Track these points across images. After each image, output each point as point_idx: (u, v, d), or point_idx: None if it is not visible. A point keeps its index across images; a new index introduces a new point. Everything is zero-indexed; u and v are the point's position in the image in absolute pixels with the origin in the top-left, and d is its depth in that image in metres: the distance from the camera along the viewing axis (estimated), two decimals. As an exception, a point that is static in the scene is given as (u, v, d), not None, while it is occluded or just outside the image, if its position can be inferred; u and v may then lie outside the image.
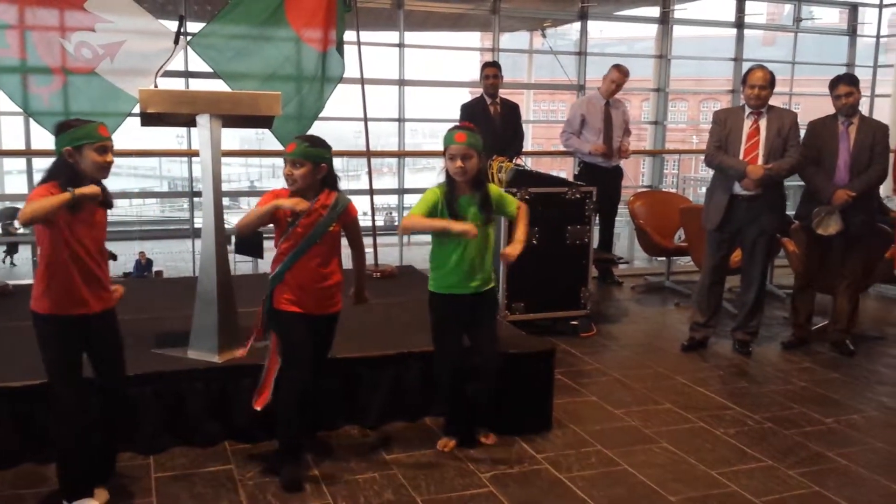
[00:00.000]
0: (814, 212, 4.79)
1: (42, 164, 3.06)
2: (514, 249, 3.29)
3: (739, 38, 9.54)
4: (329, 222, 3.12)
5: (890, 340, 5.36)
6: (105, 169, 2.79)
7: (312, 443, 3.41)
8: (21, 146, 6.56)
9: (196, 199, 7.10)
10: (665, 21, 8.88)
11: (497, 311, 3.54)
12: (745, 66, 5.13)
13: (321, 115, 5.82)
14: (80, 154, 2.71)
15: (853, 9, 10.48)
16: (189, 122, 3.66)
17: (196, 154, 3.95)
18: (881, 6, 10.48)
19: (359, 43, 5.77)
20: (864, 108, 7.02)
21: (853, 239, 4.82)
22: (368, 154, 6.16)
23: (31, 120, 5.23)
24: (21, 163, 7.34)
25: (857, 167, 4.73)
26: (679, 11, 9.14)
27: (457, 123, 3.41)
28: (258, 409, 3.16)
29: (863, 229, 4.79)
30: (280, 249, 3.13)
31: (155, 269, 6.62)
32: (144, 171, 40.50)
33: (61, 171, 2.72)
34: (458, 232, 3.19)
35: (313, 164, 3.06)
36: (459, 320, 3.39)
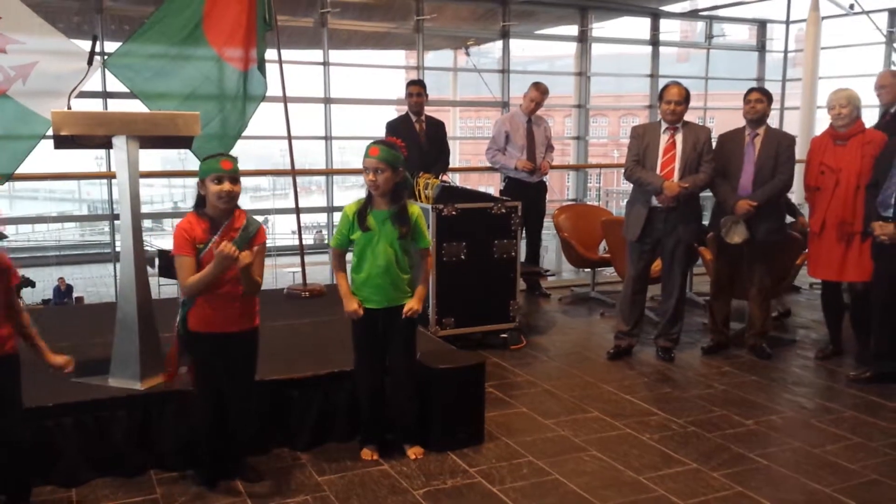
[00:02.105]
0: (721, 221, 4.97)
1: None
2: (416, 304, 3.44)
3: (655, 55, 9.87)
4: (240, 246, 3.00)
5: (805, 343, 5.59)
6: None
7: (241, 467, 3.33)
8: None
9: (116, 222, 6.91)
10: (583, 39, 9.12)
11: (413, 326, 3.56)
12: (661, 83, 5.32)
13: (246, 133, 5.76)
14: None
15: (762, 25, 10.97)
16: (106, 143, 3.58)
17: (114, 176, 3.86)
18: (788, 22, 11.00)
19: (280, 61, 5.74)
20: (774, 121, 7.35)
21: (759, 247, 5.00)
22: (294, 172, 6.12)
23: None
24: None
25: (761, 178, 4.91)
26: (597, 30, 9.41)
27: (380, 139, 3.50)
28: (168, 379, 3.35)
29: (769, 237, 4.98)
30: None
31: (75, 294, 6.40)
32: (62, 194, 39.18)
33: None
34: (346, 310, 3.41)
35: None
36: (374, 334, 3.46)
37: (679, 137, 4.85)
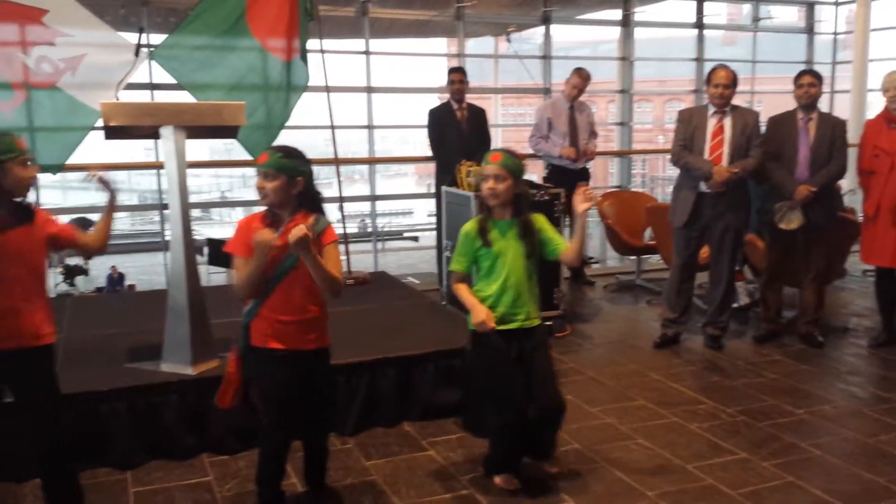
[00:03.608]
0: (776, 207, 4.87)
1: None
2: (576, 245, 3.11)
3: (700, 39, 9.68)
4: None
5: (857, 331, 5.46)
6: (29, 185, 2.60)
7: (323, 493, 3.10)
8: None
9: (166, 212, 7.03)
10: (627, 24, 8.98)
11: (548, 346, 3.22)
12: (707, 66, 5.21)
13: (290, 124, 5.81)
14: (2, 171, 2.49)
15: (810, 7, 10.69)
16: (153, 134, 3.64)
17: (163, 166, 3.93)
18: (837, 3, 10.70)
19: (322, 51, 5.76)
20: (824, 104, 7.16)
21: (815, 232, 4.90)
22: (337, 161, 6.16)
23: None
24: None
25: (817, 162, 4.82)
26: (640, 14, 9.26)
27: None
28: (221, 406, 2.93)
29: (824, 222, 4.88)
30: None
31: (127, 283, 6.54)
32: (113, 184, 39.98)
33: None
34: (475, 322, 3.02)
35: (288, 177, 2.70)
36: (508, 358, 3.07)
37: (727, 121, 4.76)
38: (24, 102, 5.04)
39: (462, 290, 3.10)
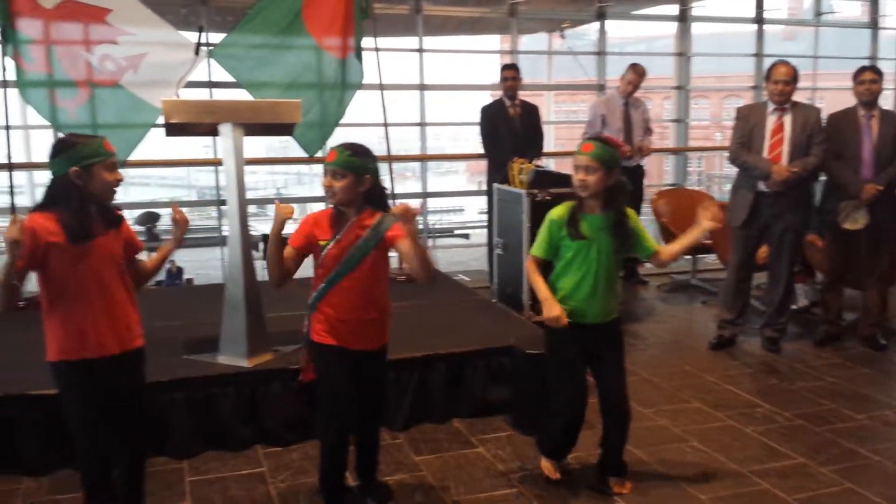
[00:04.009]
0: (840, 206, 4.74)
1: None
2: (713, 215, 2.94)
3: (760, 34, 9.45)
4: (368, 246, 2.70)
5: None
6: (114, 190, 2.48)
7: (373, 487, 3.07)
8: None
9: (223, 208, 7.16)
10: (684, 19, 8.82)
11: (623, 345, 3.14)
12: (767, 62, 5.10)
13: (344, 121, 5.87)
14: (88, 174, 2.38)
15: (874, 1, 10.34)
16: (212, 131, 3.72)
17: (221, 163, 4.01)
18: (904, -3, 10.35)
19: (377, 49, 5.80)
20: (887, 101, 6.95)
21: (880, 232, 4.76)
22: (390, 158, 6.20)
23: (59, 133, 5.31)
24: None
25: (882, 160, 4.68)
26: (698, 9, 9.08)
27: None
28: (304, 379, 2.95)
29: (890, 222, 4.73)
30: (315, 274, 2.79)
31: (186, 276, 6.68)
32: (173, 180, 40.90)
33: (66, 196, 2.38)
34: (547, 317, 2.94)
35: (356, 175, 2.66)
36: (579, 352, 3.03)
37: (787, 119, 4.65)
38: (88, 100, 5.20)
39: (537, 280, 3.00)
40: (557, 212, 2.99)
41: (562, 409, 3.10)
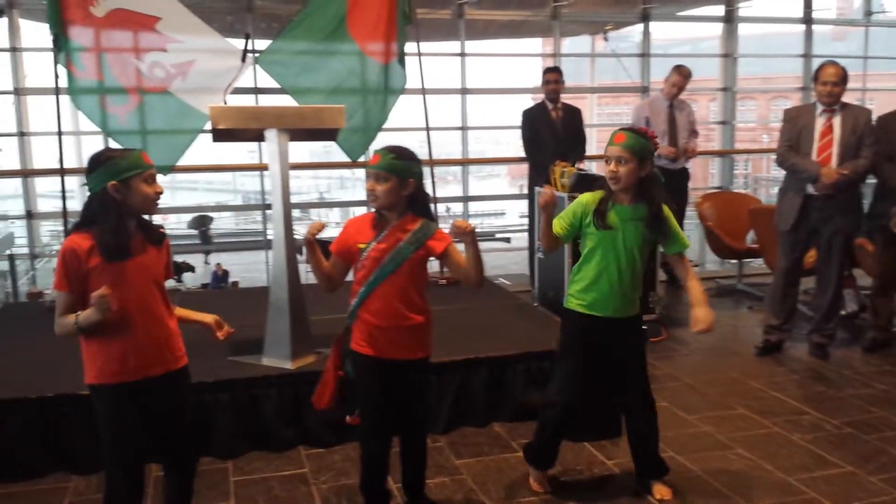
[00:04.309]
0: (893, 210, 4.62)
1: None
2: (707, 316, 2.86)
3: (808, 34, 9.27)
4: (408, 250, 2.66)
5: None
6: (155, 202, 2.38)
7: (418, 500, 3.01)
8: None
9: (268, 212, 7.27)
10: (730, 20, 8.70)
11: (644, 343, 3.09)
12: (815, 63, 5.00)
13: (386, 126, 5.91)
14: (127, 188, 2.29)
15: (929, -1, 10.07)
16: (258, 136, 3.77)
17: (266, 168, 4.06)
18: (959, -5, 10.05)
19: (419, 54, 5.83)
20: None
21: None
22: (431, 163, 6.22)
23: (109, 139, 5.45)
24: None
25: None
26: (744, 9, 8.94)
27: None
28: (318, 408, 2.90)
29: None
30: (355, 279, 2.74)
31: (231, 279, 6.79)
32: (219, 185, 41.65)
33: (104, 212, 2.29)
34: (540, 202, 2.84)
35: (399, 179, 2.63)
36: (592, 347, 2.98)
37: (837, 120, 4.55)
38: (138, 107, 5.32)
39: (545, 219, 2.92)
40: (587, 197, 2.92)
41: (552, 399, 3.04)
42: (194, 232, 8.79)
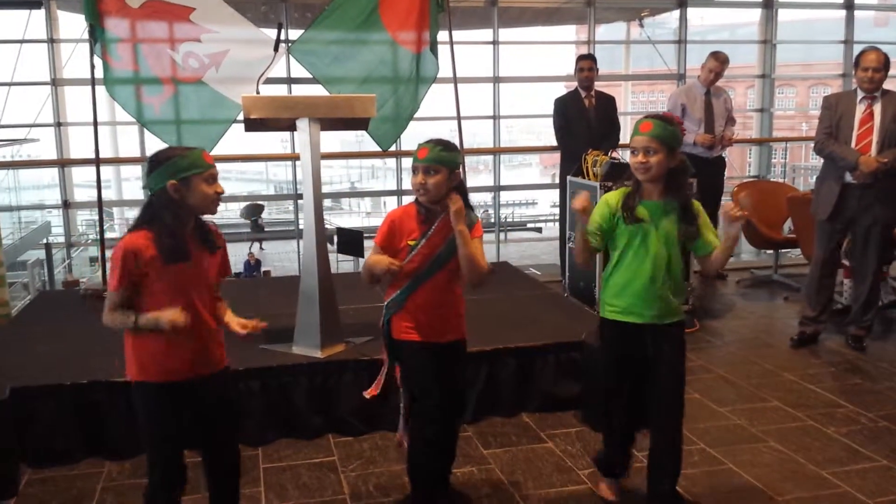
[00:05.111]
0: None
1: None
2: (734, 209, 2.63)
3: (849, 20, 9.06)
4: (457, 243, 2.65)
5: None
6: (216, 202, 2.34)
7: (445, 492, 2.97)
8: (137, 154, 6.93)
9: (300, 201, 7.33)
10: (769, 5, 8.53)
11: (683, 350, 2.87)
12: (856, 49, 4.88)
13: (416, 115, 5.91)
14: (187, 187, 2.26)
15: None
16: (290, 126, 3.79)
17: (298, 157, 4.08)
18: None
19: (451, 42, 5.81)
20: None
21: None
22: (462, 152, 6.20)
23: (145, 129, 5.53)
24: (137, 170, 7.77)
25: None
26: (784, -6, 8.78)
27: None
28: (367, 396, 2.93)
29: None
30: (401, 272, 2.68)
31: (263, 268, 6.87)
32: (252, 175, 42.06)
33: (163, 212, 2.27)
34: (574, 207, 2.66)
35: (449, 170, 2.62)
36: (633, 357, 2.81)
37: (877, 108, 4.45)
38: (172, 96, 5.37)
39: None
40: (613, 196, 2.74)
41: (610, 413, 2.95)
42: (236, 220, 8.92)
